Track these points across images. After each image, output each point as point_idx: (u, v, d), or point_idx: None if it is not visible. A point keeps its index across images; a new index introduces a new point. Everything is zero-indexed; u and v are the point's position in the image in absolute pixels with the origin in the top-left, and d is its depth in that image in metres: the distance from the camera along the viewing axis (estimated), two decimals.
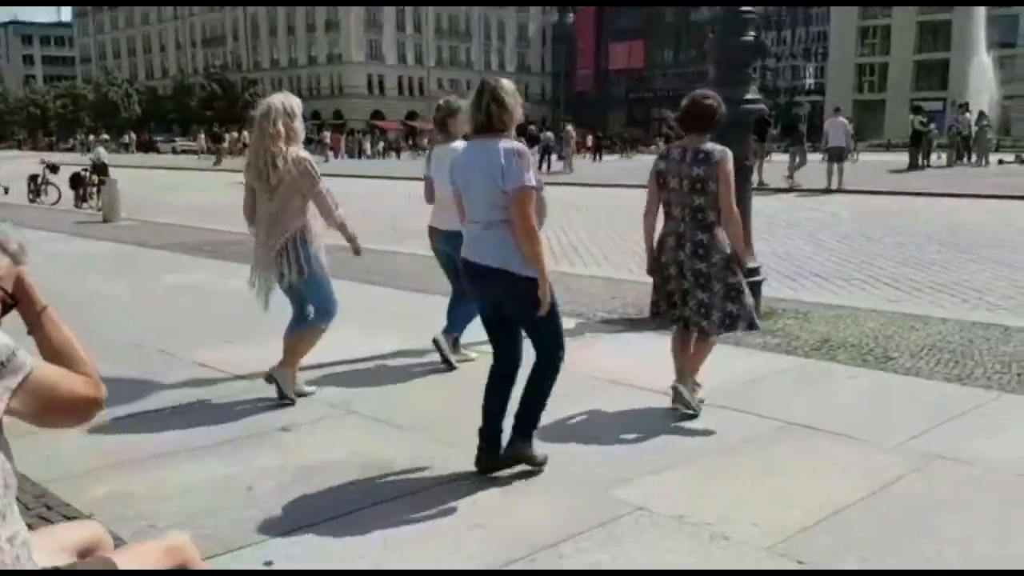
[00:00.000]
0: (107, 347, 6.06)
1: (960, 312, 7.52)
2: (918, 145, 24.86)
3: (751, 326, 4.59)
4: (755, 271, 7.20)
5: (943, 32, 68.15)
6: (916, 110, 25.80)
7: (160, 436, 4.23)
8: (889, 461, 3.88)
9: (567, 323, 6.87)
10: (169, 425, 4.40)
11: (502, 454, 3.73)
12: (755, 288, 7.19)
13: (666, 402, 4.71)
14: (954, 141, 26.03)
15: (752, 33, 7.03)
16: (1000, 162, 28.15)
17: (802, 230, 13.54)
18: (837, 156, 20.39)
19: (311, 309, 4.81)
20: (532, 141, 34.93)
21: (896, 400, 4.88)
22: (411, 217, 16.96)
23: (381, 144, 56.86)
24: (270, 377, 4.69)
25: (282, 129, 4.51)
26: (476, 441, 3.76)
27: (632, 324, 6.81)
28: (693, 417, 4.53)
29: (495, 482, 3.67)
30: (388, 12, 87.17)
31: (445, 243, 5.32)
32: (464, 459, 3.80)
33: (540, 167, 31.79)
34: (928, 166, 25.22)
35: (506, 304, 3.69)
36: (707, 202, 4.35)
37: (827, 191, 19.81)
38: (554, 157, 34.35)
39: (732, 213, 4.36)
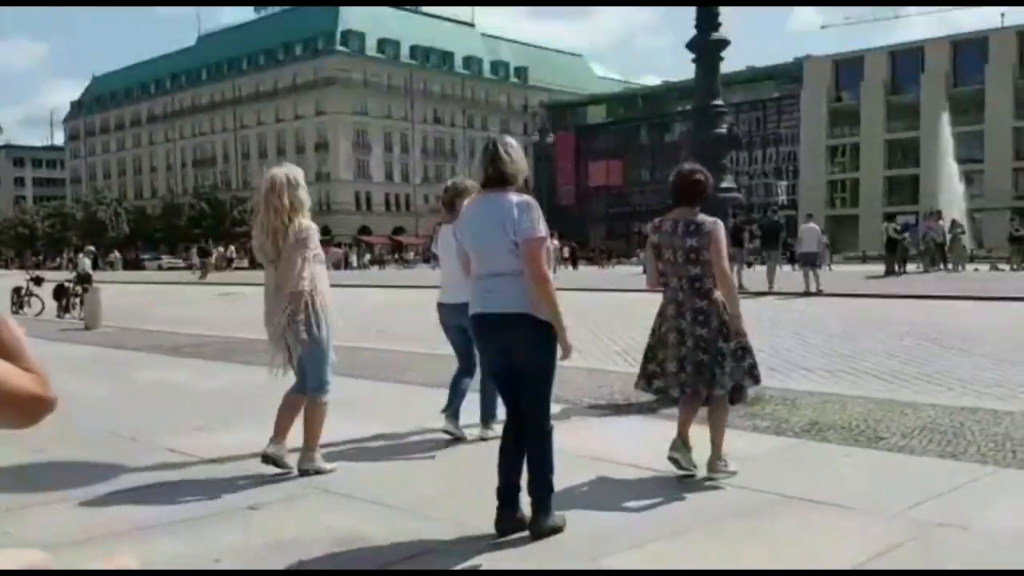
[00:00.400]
0: (78, 435, 5.91)
1: (948, 399, 7.44)
2: (893, 252, 25.26)
3: (756, 379, 4.81)
4: None
5: (911, 149, 70.35)
6: (890, 218, 26.35)
7: (124, 515, 4.05)
8: (888, 529, 3.73)
9: (553, 408, 6.83)
10: (134, 505, 4.23)
11: (529, 529, 3.65)
12: None
13: (661, 475, 4.59)
14: (929, 248, 26.49)
15: (725, 125, 7.22)
16: (975, 270, 28.60)
17: (786, 328, 13.55)
18: (810, 262, 20.59)
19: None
20: None
21: (891, 475, 4.75)
22: (392, 321, 17.15)
23: (367, 257, 57.35)
24: (304, 472, 4.61)
25: (287, 202, 4.54)
26: (454, 516, 3.64)
27: (619, 409, 6.70)
28: (687, 480, 4.50)
29: (478, 553, 3.48)
30: (375, 135, 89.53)
31: (454, 316, 5.34)
32: (442, 532, 3.63)
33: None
34: (904, 272, 25.56)
35: (516, 352, 3.66)
36: (703, 271, 4.50)
37: (807, 294, 19.98)
38: None
39: (726, 276, 4.53)
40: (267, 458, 4.61)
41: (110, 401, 7.58)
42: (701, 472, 4.62)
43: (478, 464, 4.92)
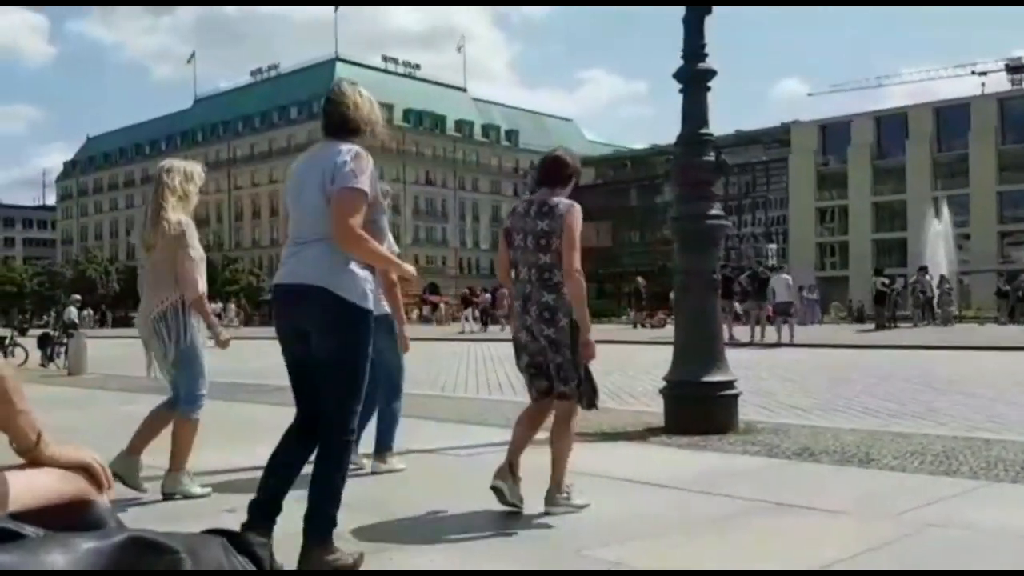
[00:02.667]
0: None
1: (941, 431, 7.37)
2: (883, 305, 25.37)
3: (591, 404, 4.09)
4: (731, 384, 7.10)
5: (899, 212, 71.20)
6: (878, 272, 26.53)
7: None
8: (879, 527, 3.66)
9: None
10: None
11: (305, 558, 3.01)
12: (731, 401, 7.07)
13: (656, 486, 4.50)
14: (918, 302, 26.63)
15: (712, 153, 7.25)
16: (962, 319, 28.71)
17: (775, 374, 13.47)
18: (784, 311, 20.77)
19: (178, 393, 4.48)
20: (465, 303, 35.71)
21: (883, 488, 4.68)
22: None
23: None
24: (168, 496, 4.33)
25: (178, 187, 4.33)
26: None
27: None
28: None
29: (453, 552, 3.38)
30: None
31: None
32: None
33: (484, 326, 33.50)
34: (896, 326, 25.62)
35: (314, 337, 3.05)
36: (553, 259, 3.92)
37: (777, 344, 19.97)
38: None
39: (573, 275, 3.89)
40: (116, 475, 4.37)
41: (86, 431, 7.42)
42: (533, 507, 4.01)
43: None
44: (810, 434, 6.81)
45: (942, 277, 29.34)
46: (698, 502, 4.25)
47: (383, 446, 5.31)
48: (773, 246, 79.87)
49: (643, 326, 31.05)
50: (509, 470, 4.02)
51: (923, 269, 27.70)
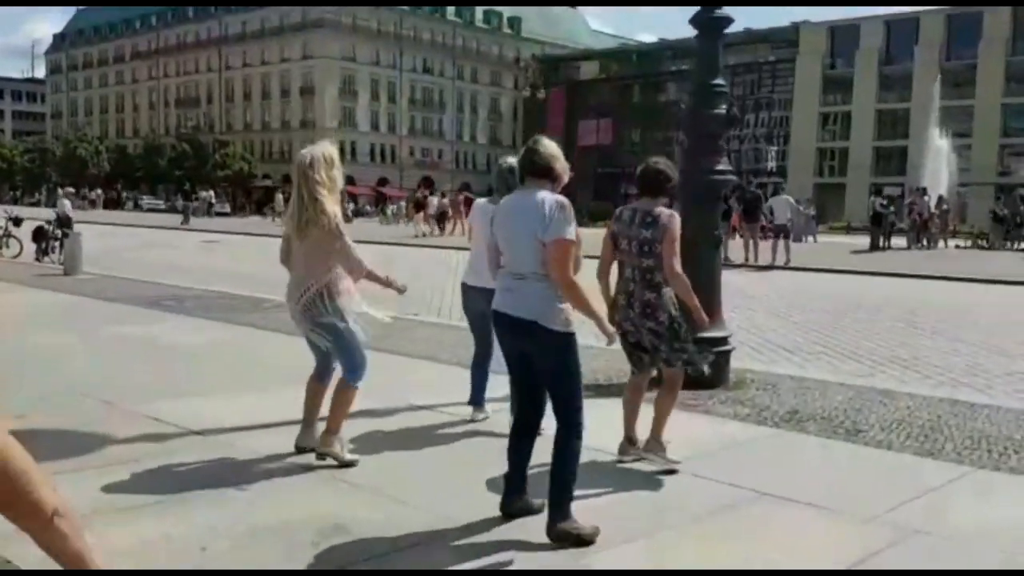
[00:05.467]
0: (51, 396, 5.86)
1: (925, 388, 7.52)
2: (879, 226, 25.38)
3: (698, 372, 4.86)
4: (724, 340, 7.19)
5: (901, 120, 70.30)
6: (878, 192, 26.42)
7: (104, 493, 4.01)
8: (865, 532, 3.79)
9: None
10: (115, 482, 4.17)
11: (547, 533, 3.63)
12: (724, 357, 7.18)
13: (639, 466, 4.62)
14: (914, 224, 26.61)
15: (724, 105, 7.13)
16: (957, 247, 28.78)
17: (767, 304, 13.61)
18: (783, 233, 20.86)
19: (336, 365, 4.77)
20: (419, 207, 35.64)
21: (868, 472, 4.81)
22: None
23: (351, 207, 56.95)
24: (322, 455, 4.55)
25: (324, 178, 4.51)
26: (439, 505, 3.70)
27: (601, 390, 6.70)
28: (667, 474, 4.53)
29: (462, 551, 3.50)
30: (363, 81, 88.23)
31: (477, 300, 5.22)
32: (427, 522, 3.64)
33: (441, 229, 33.57)
34: (889, 247, 25.70)
35: (533, 357, 3.70)
36: (655, 263, 4.49)
37: (770, 267, 20.07)
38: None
39: (675, 274, 4.49)
40: (301, 449, 4.64)
41: (86, 359, 7.51)
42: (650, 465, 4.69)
43: (475, 451, 4.95)
44: (798, 391, 6.94)
45: (940, 198, 29.25)
46: (683, 490, 4.35)
47: (476, 398, 5.70)
48: (774, 149, 79.20)
49: None
50: (628, 443, 4.78)
51: (921, 190, 27.54)
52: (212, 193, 57.64)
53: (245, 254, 22.52)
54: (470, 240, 5.88)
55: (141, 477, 4.23)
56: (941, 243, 27.60)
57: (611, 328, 3.75)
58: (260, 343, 8.45)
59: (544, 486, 3.70)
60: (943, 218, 28.25)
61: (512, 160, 5.61)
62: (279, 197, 47.58)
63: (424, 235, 32.91)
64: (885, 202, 25.68)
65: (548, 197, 3.62)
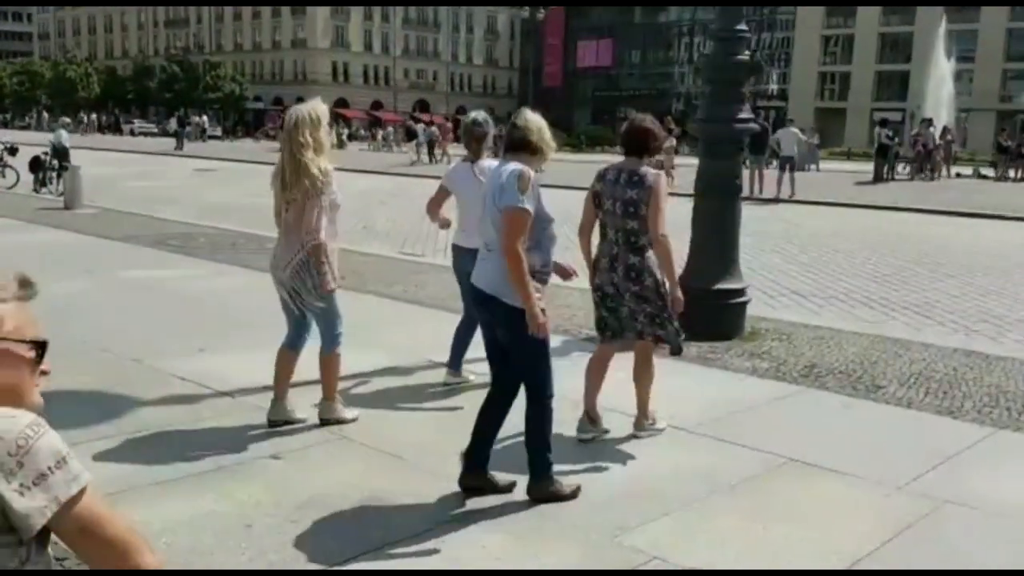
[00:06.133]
0: (72, 352, 5.81)
1: (939, 337, 7.55)
2: (884, 157, 25.20)
3: (675, 350, 4.62)
4: (741, 291, 7.19)
5: (904, 44, 69.13)
6: (883, 123, 26.12)
7: (141, 466, 4.00)
8: (897, 505, 3.83)
9: (552, 341, 6.84)
10: (150, 452, 4.16)
11: (528, 493, 3.72)
12: (740, 308, 7.19)
13: (668, 432, 4.65)
14: (918, 155, 26.42)
15: (747, 52, 6.98)
16: (958, 175, 28.64)
17: (775, 242, 13.55)
18: (789, 165, 20.83)
19: (312, 330, 4.64)
20: (411, 135, 35.87)
21: (892, 434, 4.84)
22: (376, 213, 16.98)
23: (346, 132, 56.19)
24: (324, 422, 4.57)
25: (309, 139, 4.35)
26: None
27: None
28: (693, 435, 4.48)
29: (503, 525, 3.53)
30: None
31: (467, 261, 4.88)
32: (458, 495, 3.68)
33: (432, 159, 34.33)
34: (893, 179, 25.57)
35: (498, 330, 3.69)
36: (639, 225, 4.33)
37: (776, 200, 19.98)
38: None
39: (659, 239, 4.30)
40: (274, 423, 4.53)
41: (102, 308, 7.47)
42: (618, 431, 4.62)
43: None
44: (814, 342, 6.96)
45: (945, 128, 28.96)
46: (711, 458, 4.36)
47: (455, 360, 5.51)
48: (775, 71, 78.01)
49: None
50: (588, 418, 4.58)
51: (927, 121, 27.24)
52: (205, 119, 56.82)
53: (241, 184, 22.29)
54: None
55: (175, 446, 4.23)
56: (944, 173, 27.43)
57: (540, 316, 3.46)
58: (268, 293, 8.41)
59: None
60: (947, 148, 28.02)
61: (476, 114, 5.50)
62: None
63: (413, 163, 33.45)
64: (891, 133, 25.41)
65: (510, 166, 3.54)
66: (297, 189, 4.34)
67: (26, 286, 1.47)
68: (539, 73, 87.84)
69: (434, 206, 5.58)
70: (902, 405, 5.37)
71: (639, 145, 4.42)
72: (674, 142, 27.30)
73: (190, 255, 10.48)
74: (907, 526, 3.62)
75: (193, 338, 6.34)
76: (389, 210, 17.86)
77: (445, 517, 3.57)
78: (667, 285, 4.41)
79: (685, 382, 5.71)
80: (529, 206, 3.47)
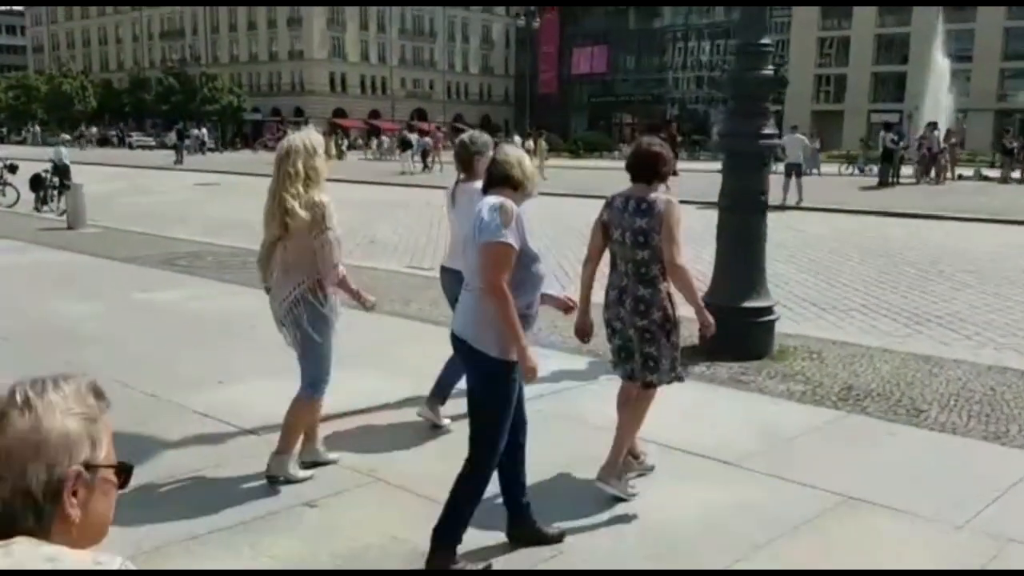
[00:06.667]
0: None
1: (968, 352, 7.40)
2: (889, 162, 25.08)
3: (678, 378, 4.24)
4: (770, 310, 7.03)
5: (900, 45, 69.16)
6: (887, 127, 26.03)
7: (171, 520, 3.78)
8: (961, 545, 3.67)
9: (577, 361, 6.68)
10: (179, 502, 3.97)
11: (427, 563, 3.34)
12: (769, 326, 7.04)
13: (717, 467, 4.49)
14: (924, 159, 26.31)
15: (770, 67, 6.84)
16: (960, 177, 28.51)
17: (786, 252, 13.36)
18: (796, 172, 20.80)
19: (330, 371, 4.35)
20: (405, 145, 36.34)
21: (942, 464, 4.68)
22: (380, 225, 16.82)
23: (345, 143, 56.09)
24: (272, 479, 4.16)
25: (301, 169, 4.06)
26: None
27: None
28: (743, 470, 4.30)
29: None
30: (351, 10, 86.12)
31: (456, 284, 4.54)
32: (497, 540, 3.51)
33: (425, 168, 34.76)
34: (898, 183, 25.45)
35: (467, 374, 3.43)
36: (650, 256, 4.01)
37: (782, 207, 19.85)
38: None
39: (676, 269, 3.95)
40: (273, 479, 4.19)
41: (114, 334, 7.30)
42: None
43: (558, 446, 4.72)
44: (846, 360, 6.81)
45: (949, 131, 28.85)
46: (766, 496, 4.19)
47: (438, 392, 5.16)
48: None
49: None
50: (631, 454, 4.31)
51: (932, 125, 27.11)
52: (205, 131, 56.69)
53: (244, 199, 22.09)
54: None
55: (203, 494, 4.05)
56: (949, 176, 27.31)
57: (534, 362, 3.18)
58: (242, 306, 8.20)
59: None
60: (952, 151, 27.92)
61: (468, 135, 5.24)
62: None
63: (410, 173, 33.77)
64: (896, 138, 25.29)
65: (489, 199, 3.28)
66: (292, 224, 4.06)
67: (101, 397, 1.32)
68: (535, 80, 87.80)
69: None
70: (947, 431, 5.21)
71: (648, 170, 4.13)
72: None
73: (200, 275, 10.32)
74: (978, 568, 3.46)
75: (209, 366, 6.18)
76: (394, 222, 17.70)
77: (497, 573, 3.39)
78: (676, 320, 4.09)
79: (723, 409, 5.56)
80: (512, 240, 3.17)
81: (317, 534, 3.67)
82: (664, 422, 5.11)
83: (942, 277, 11.32)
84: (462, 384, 4.70)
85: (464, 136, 5.21)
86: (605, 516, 3.91)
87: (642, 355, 4.08)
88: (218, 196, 24.19)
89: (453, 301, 4.74)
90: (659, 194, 4.09)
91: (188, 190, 25.87)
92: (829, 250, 13.57)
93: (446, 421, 5.06)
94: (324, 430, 4.89)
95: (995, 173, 29.56)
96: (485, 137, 5.30)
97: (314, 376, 4.24)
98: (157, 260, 11.38)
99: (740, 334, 6.69)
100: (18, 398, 1.22)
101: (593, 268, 4.30)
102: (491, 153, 5.08)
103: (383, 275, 10.60)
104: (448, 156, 42.50)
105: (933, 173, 26.44)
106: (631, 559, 3.53)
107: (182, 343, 6.99)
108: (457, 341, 3.34)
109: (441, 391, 5.11)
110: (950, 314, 9.15)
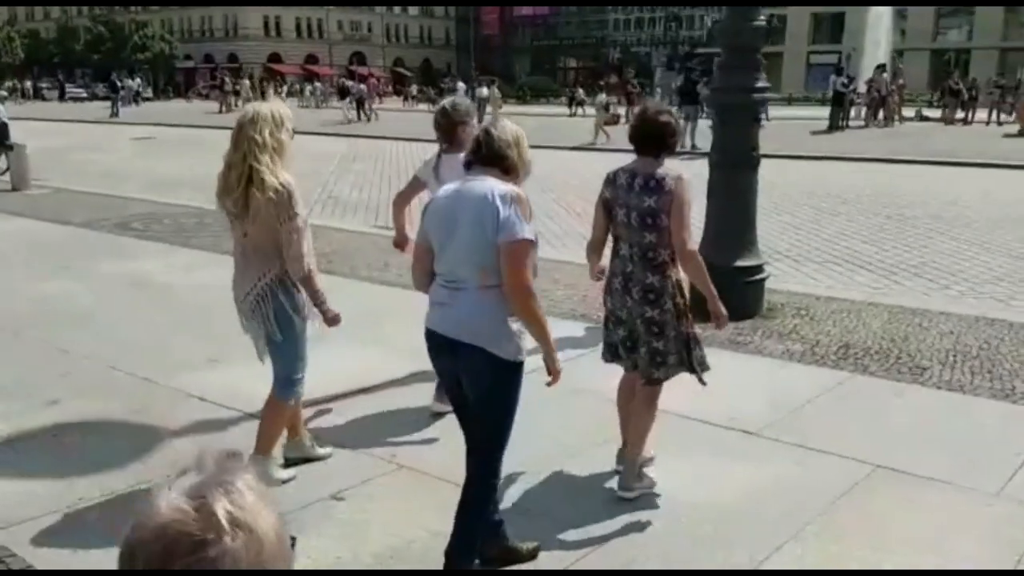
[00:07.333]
0: (82, 371, 5.44)
1: (950, 303, 7.50)
2: (840, 105, 25.26)
3: (700, 380, 3.86)
4: (759, 268, 6.99)
5: None
6: (838, 71, 26.16)
7: None
8: (1002, 516, 3.66)
9: (574, 328, 6.57)
10: None
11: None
12: (760, 285, 7.00)
13: (741, 438, 4.42)
14: (873, 102, 26.56)
15: (763, 17, 6.69)
16: (903, 119, 28.85)
17: None
18: None
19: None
20: (344, 93, 35.96)
21: (959, 426, 4.70)
22: (337, 179, 16.40)
23: (284, 90, 54.61)
24: None
25: (268, 139, 3.58)
26: (560, 509, 3.46)
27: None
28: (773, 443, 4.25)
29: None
30: None
31: None
32: (542, 529, 3.39)
33: (360, 116, 34.50)
34: (847, 127, 25.68)
35: (468, 386, 3.02)
36: (659, 239, 3.63)
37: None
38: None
39: (687, 253, 3.61)
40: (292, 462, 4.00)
41: (93, 312, 6.93)
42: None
43: (596, 430, 4.60)
44: (835, 317, 6.83)
45: (896, 72, 29.10)
46: (793, 469, 4.12)
47: None
48: (710, 17, 77.77)
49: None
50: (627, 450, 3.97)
51: (881, 67, 27.30)
52: (139, 81, 54.68)
53: (186, 153, 21.46)
54: None
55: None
56: (897, 119, 27.63)
57: (559, 364, 2.97)
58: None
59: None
60: (900, 93, 28.23)
61: (451, 102, 4.85)
62: (246, 84, 45.85)
63: (350, 122, 33.49)
64: (846, 81, 25.45)
65: (498, 187, 2.93)
66: (249, 202, 3.58)
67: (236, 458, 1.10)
68: (477, 22, 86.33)
69: (402, 201, 4.87)
70: (954, 389, 5.24)
71: (655, 142, 3.70)
72: (605, 97, 27.22)
73: (164, 241, 9.93)
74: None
75: (198, 345, 5.91)
76: (349, 176, 17.27)
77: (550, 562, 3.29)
78: (686, 310, 3.73)
79: (728, 373, 5.48)
80: (533, 236, 2.91)
81: (352, 530, 3.50)
82: (672, 391, 5.05)
83: (907, 224, 11.45)
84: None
85: (446, 103, 4.85)
86: (634, 501, 3.81)
87: (649, 350, 3.73)
88: (159, 151, 23.36)
89: None
90: (669, 169, 3.70)
91: (128, 145, 24.90)
92: (789, 199, 13.58)
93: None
94: (327, 414, 4.75)
95: (936, 114, 30.06)
96: (468, 103, 5.04)
97: (288, 374, 3.86)
98: (114, 224, 10.92)
99: (733, 294, 6.53)
100: (221, 518, 0.92)
101: (600, 252, 3.92)
102: (475, 121, 4.82)
103: (354, 237, 10.33)
104: (386, 104, 42.07)
105: (881, 116, 26.73)
106: (674, 547, 3.45)
107: (166, 321, 6.67)
108: (446, 342, 2.96)
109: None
110: (923, 263, 9.25)
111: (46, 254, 9.23)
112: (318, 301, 3.75)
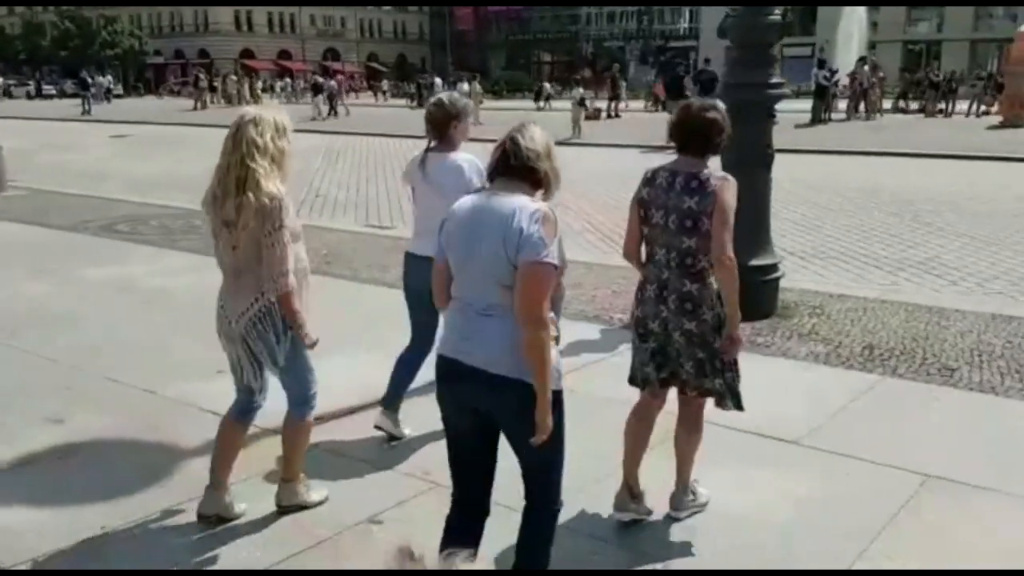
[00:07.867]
0: (80, 385, 5.20)
1: (962, 300, 7.43)
2: (822, 98, 25.31)
3: (738, 406, 3.59)
4: (774, 267, 6.86)
5: None
6: (820, 64, 26.19)
7: (227, 550, 3.38)
8: None
9: (588, 330, 6.40)
10: (231, 532, 3.53)
11: None
12: (775, 284, 6.87)
13: (786, 449, 4.27)
14: (855, 94, 26.66)
15: (777, 12, 6.54)
16: (880, 112, 28.98)
17: None
18: None
19: (268, 390, 3.67)
20: (317, 89, 35.98)
21: (998, 431, 4.58)
22: (322, 177, 16.12)
23: (259, 85, 53.90)
24: (284, 510, 3.66)
25: (269, 144, 3.32)
26: (602, 531, 3.30)
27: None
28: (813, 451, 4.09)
29: None
30: None
31: (421, 273, 3.41)
32: (618, 559, 3.22)
33: (331, 113, 34.75)
34: (830, 119, 25.73)
35: (503, 421, 2.75)
36: (699, 244, 3.35)
37: None
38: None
39: (727, 263, 3.32)
40: (204, 518, 3.58)
41: (84, 320, 6.67)
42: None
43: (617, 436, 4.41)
44: (851, 315, 6.73)
45: (875, 65, 29.23)
46: (843, 482, 3.97)
47: (393, 395, 4.56)
48: (687, 9, 77.83)
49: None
50: (629, 493, 3.65)
51: (862, 59, 27.44)
52: (110, 78, 53.81)
53: (163, 152, 21.11)
54: None
55: (252, 512, 3.64)
56: (878, 111, 27.76)
57: (550, 421, 2.60)
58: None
59: None
60: (881, 85, 28.36)
61: (448, 95, 4.53)
62: (232, 79, 45.45)
63: (322, 118, 33.59)
64: (828, 74, 25.51)
65: (526, 204, 2.61)
66: (243, 208, 3.28)
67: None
68: (451, 17, 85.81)
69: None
70: (986, 391, 5.15)
71: (701, 140, 3.43)
72: (582, 92, 27.17)
73: (152, 244, 9.65)
74: None
75: (199, 354, 5.60)
76: (332, 173, 17.00)
77: None
78: (723, 323, 3.41)
79: (757, 377, 5.31)
80: (557, 260, 2.61)
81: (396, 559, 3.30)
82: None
83: (909, 219, 11.39)
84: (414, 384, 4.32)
85: (443, 95, 4.53)
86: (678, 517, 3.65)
87: (695, 361, 3.46)
88: (136, 149, 22.93)
89: (420, 295, 3.82)
90: (713, 170, 3.43)
91: (104, 144, 24.40)
92: (788, 195, 13.47)
93: (407, 431, 4.47)
94: (343, 427, 4.54)
95: (913, 106, 30.23)
96: (467, 100, 4.77)
97: (303, 392, 3.61)
98: (99, 227, 10.61)
99: (750, 295, 6.42)
100: None
101: (639, 256, 3.58)
102: (470, 120, 4.59)
103: (347, 237, 10.11)
104: (360, 100, 41.90)
105: (863, 108, 26.82)
106: (740, 565, 3.30)
107: (162, 328, 6.42)
108: (472, 372, 2.65)
109: (394, 394, 4.48)
110: (930, 259, 9.18)
111: (26, 258, 8.93)
112: (296, 323, 3.41)
